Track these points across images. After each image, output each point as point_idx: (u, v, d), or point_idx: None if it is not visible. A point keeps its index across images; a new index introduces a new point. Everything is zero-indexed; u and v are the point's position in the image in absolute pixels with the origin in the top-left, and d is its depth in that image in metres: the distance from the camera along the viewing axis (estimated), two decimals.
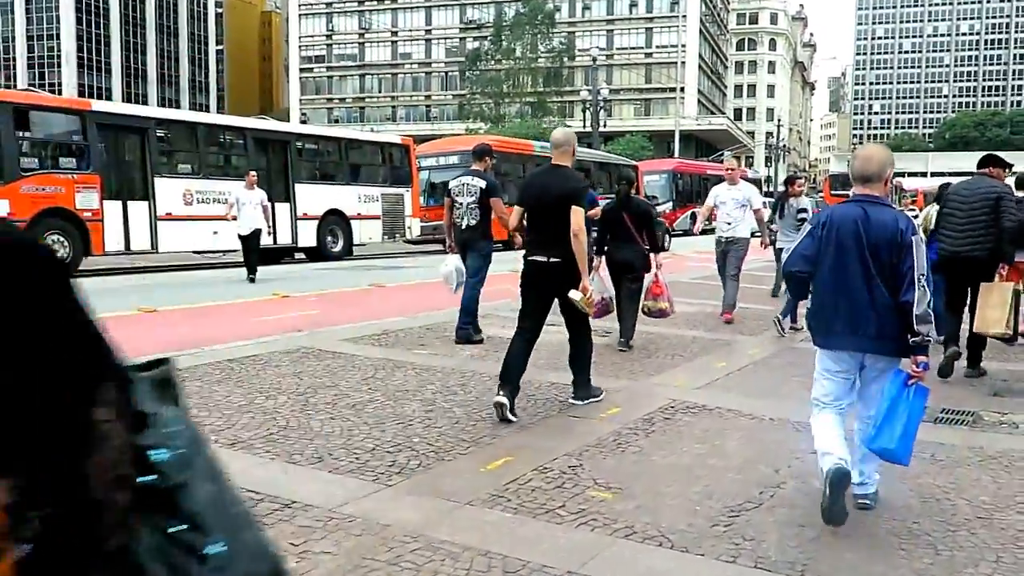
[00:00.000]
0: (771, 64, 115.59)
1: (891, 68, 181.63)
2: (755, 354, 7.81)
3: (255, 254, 14.18)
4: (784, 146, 79.90)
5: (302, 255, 20.82)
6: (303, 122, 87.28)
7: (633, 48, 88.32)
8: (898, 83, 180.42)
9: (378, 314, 9.81)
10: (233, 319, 9.86)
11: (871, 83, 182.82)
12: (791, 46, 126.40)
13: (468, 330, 7.97)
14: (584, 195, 5.55)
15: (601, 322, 7.92)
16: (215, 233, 17.24)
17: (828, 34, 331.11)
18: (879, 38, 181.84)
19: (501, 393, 5.20)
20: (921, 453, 4.82)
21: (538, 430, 5.07)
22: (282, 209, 19.51)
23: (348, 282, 14.00)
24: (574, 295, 5.34)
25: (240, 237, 14.03)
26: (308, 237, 20.13)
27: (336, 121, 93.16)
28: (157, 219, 16.69)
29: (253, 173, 14.35)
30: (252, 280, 13.78)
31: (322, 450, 4.54)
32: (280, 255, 20.37)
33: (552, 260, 5.36)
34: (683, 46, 79.74)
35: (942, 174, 78.15)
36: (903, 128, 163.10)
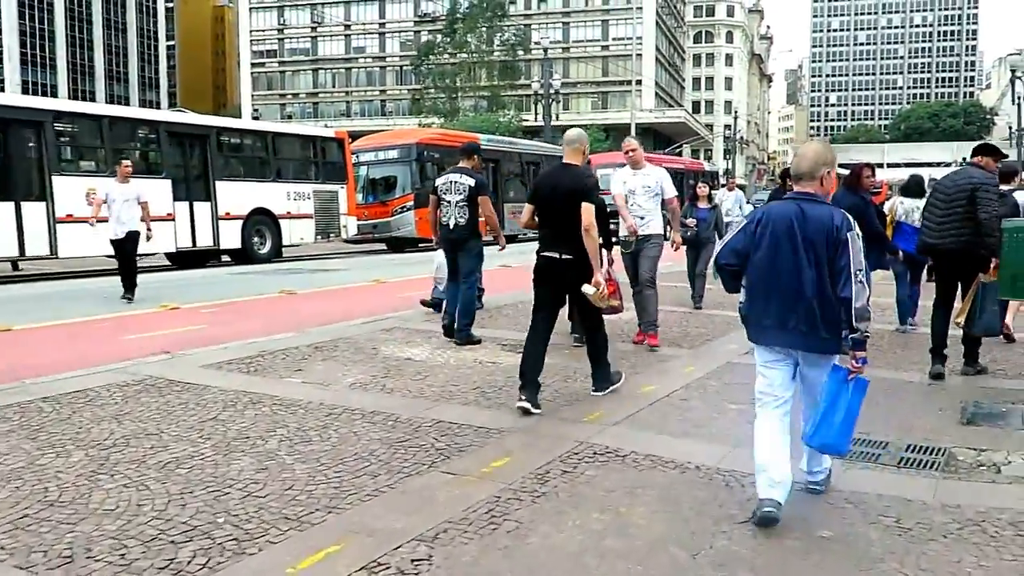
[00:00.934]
0: (728, 57, 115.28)
1: (847, 60, 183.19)
2: (691, 373, 6.70)
3: (133, 263, 11.68)
4: (742, 138, 79.45)
5: (228, 258, 19.46)
6: (255, 118, 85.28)
7: (589, 41, 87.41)
8: (854, 75, 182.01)
9: (273, 328, 8.59)
10: (98, 338, 8.56)
11: (827, 75, 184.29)
12: (748, 39, 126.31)
13: (467, 332, 7.86)
14: (594, 192, 5.62)
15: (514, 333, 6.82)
16: None
17: (784, 27, 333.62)
18: (835, 30, 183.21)
19: (523, 397, 5.36)
20: (884, 516, 3.75)
21: (392, 498, 3.89)
22: (202, 209, 18.15)
23: (257, 288, 12.72)
24: (587, 289, 5.49)
25: (112, 242, 11.58)
26: (232, 238, 18.75)
27: (289, 117, 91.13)
28: (56, 221, 15.25)
29: (127, 163, 11.97)
30: (129, 299, 11.28)
31: (81, 543, 3.32)
32: (204, 258, 19.01)
33: (564, 257, 5.54)
34: (639, 38, 78.99)
35: (898, 165, 78.35)
36: (859, 120, 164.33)
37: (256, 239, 19.41)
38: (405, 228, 23.49)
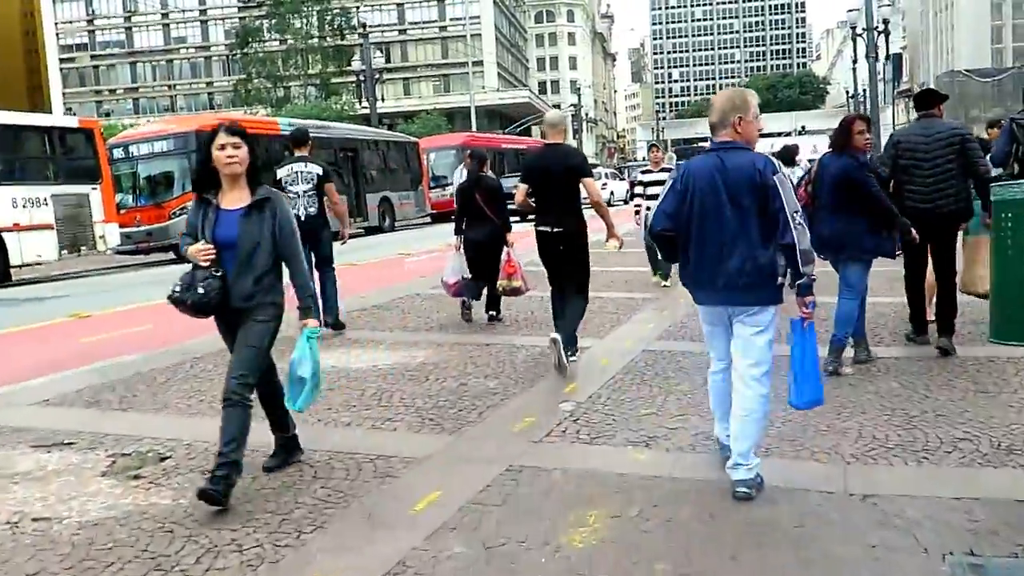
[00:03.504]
0: (571, 35, 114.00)
1: (686, 36, 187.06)
2: (437, 500, 3.48)
3: None
4: (587, 115, 78.01)
5: None
6: None
7: (427, 22, 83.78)
8: (694, 51, 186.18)
9: None
10: None
11: (669, 52, 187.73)
12: (589, 17, 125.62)
13: (337, 316, 7.89)
14: (588, 166, 6.18)
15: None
16: None
17: (624, 5, 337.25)
18: (672, 7, 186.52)
19: (562, 358, 5.67)
20: None
21: None
22: None
23: None
24: (611, 244, 6.19)
25: None
26: None
27: (107, 115, 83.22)
28: None
29: None
30: None
31: None
32: None
33: (555, 230, 5.97)
34: (476, 18, 76.24)
35: None
36: (702, 94, 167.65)
37: None
38: None
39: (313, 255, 7.63)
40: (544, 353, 6.27)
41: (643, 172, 11.15)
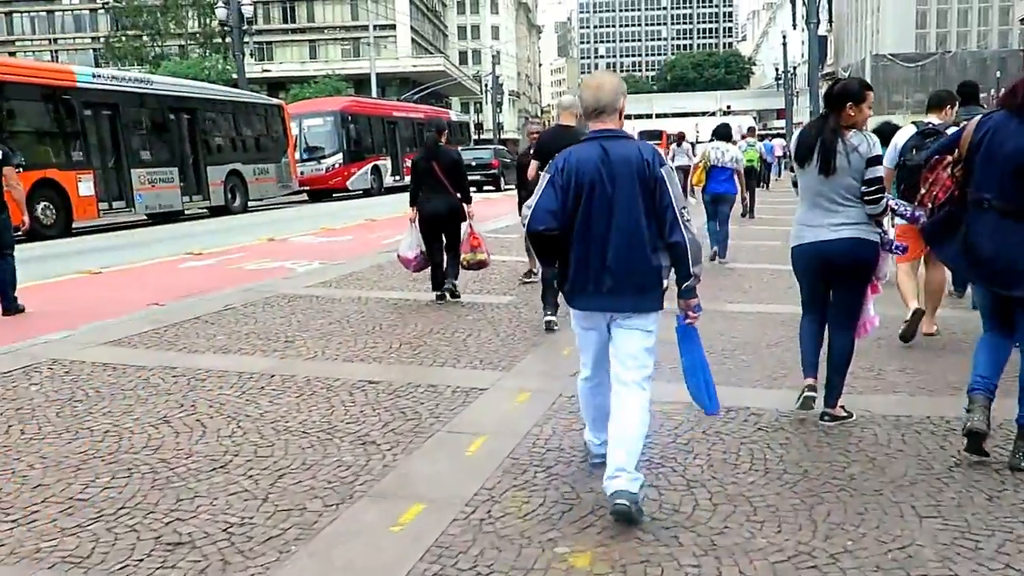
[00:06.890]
0: (494, 4, 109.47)
1: (614, 11, 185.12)
2: None
3: None
4: (501, 84, 73.74)
5: None
6: None
7: None
8: (621, 26, 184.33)
9: None
10: None
11: (595, 27, 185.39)
12: None
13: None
14: None
15: None
16: None
17: None
18: None
19: (549, 313, 6.48)
20: None
21: None
22: None
23: None
24: None
25: None
26: None
27: None
28: None
29: None
30: None
31: None
32: None
33: None
34: None
35: (666, 115, 75.86)
36: (628, 71, 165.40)
37: None
38: None
39: None
40: None
41: None
